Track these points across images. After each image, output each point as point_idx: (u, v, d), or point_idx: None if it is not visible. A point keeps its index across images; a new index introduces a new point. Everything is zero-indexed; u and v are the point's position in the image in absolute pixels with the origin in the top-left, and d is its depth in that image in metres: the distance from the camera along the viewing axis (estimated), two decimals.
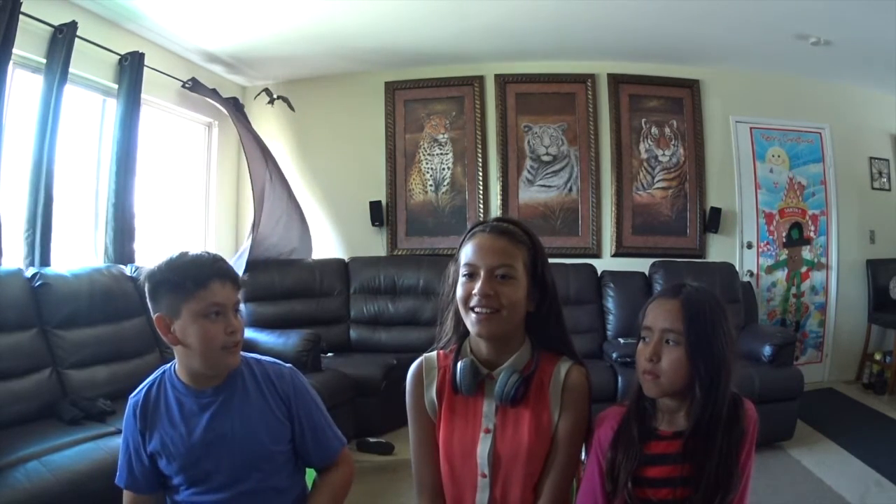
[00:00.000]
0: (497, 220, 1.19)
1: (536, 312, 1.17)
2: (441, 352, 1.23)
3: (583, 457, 1.31)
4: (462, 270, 1.13)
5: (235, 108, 4.11)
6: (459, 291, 1.13)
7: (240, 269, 3.53)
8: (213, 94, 3.95)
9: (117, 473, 1.27)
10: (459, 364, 1.15)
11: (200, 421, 1.21)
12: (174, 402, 1.23)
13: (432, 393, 1.19)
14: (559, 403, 1.14)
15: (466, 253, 1.14)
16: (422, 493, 1.20)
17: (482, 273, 1.10)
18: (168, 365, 1.28)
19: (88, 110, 3.35)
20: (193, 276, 1.17)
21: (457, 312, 1.17)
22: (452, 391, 1.17)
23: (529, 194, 4.41)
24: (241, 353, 1.28)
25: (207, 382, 1.23)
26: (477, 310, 1.10)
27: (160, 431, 1.22)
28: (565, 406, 1.14)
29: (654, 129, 4.41)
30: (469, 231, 1.18)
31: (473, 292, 1.10)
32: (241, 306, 1.26)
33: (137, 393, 1.27)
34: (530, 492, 1.14)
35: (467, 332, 1.18)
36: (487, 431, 1.14)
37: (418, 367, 1.22)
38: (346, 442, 1.38)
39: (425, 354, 1.24)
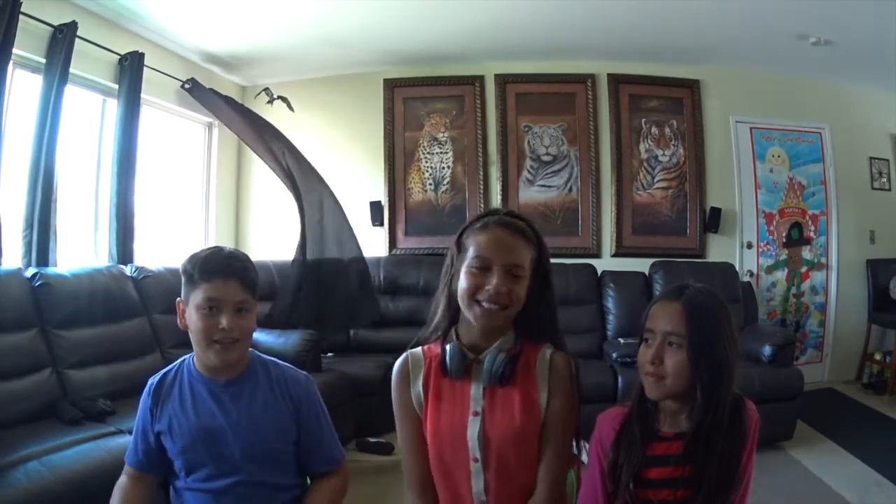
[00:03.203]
0: (509, 214, 1.18)
1: (536, 304, 1.17)
2: (425, 347, 1.22)
3: (584, 457, 1.31)
4: (473, 262, 1.11)
5: (235, 107, 4.07)
6: (466, 282, 1.11)
7: None
8: (212, 96, 3.92)
9: (127, 452, 1.33)
10: (448, 347, 1.15)
11: (208, 408, 1.26)
12: (188, 386, 1.29)
13: (418, 386, 1.19)
14: (547, 384, 1.14)
15: (479, 244, 1.12)
16: (411, 487, 1.20)
17: (497, 269, 1.10)
18: (189, 355, 1.33)
19: (88, 110, 3.35)
20: (201, 269, 1.23)
21: (449, 299, 1.17)
22: (440, 376, 1.17)
23: (529, 194, 4.41)
24: (261, 355, 1.35)
25: (221, 373, 1.28)
26: (486, 304, 1.10)
27: (169, 411, 1.27)
28: (554, 388, 1.14)
29: (654, 129, 4.41)
30: (480, 220, 1.16)
31: (487, 287, 1.09)
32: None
33: (156, 375, 1.33)
34: (525, 475, 1.14)
35: (455, 321, 1.18)
36: (476, 414, 1.14)
37: (404, 362, 1.22)
38: (345, 455, 1.41)
39: (409, 350, 1.23)
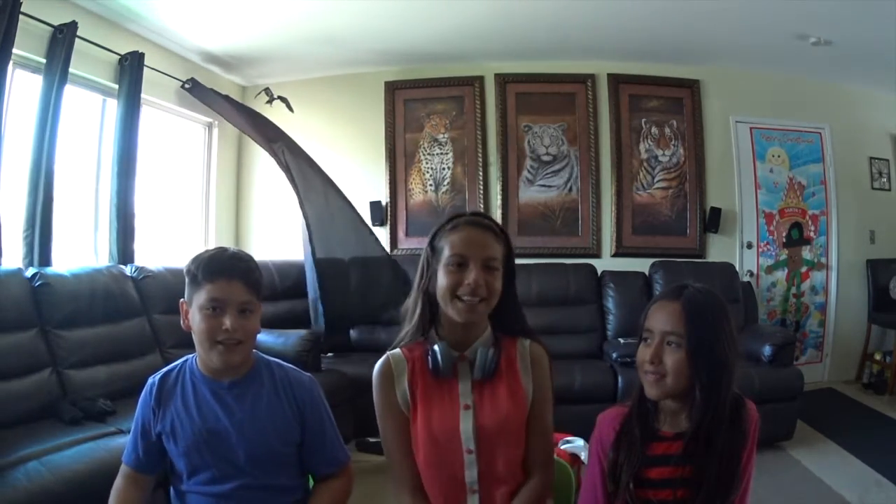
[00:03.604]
0: (476, 214, 1.25)
1: (504, 298, 1.23)
2: (404, 348, 1.25)
3: (583, 456, 1.31)
4: (450, 260, 1.17)
5: (235, 105, 4.06)
6: (445, 281, 1.17)
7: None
8: (212, 94, 3.93)
9: (125, 451, 1.31)
10: (437, 347, 1.19)
11: (211, 409, 1.25)
12: (190, 387, 1.28)
13: (404, 385, 1.21)
14: (530, 374, 1.22)
15: (454, 243, 1.18)
16: (403, 488, 1.23)
17: (473, 264, 1.16)
18: (191, 355, 1.31)
19: (88, 110, 3.35)
20: (204, 269, 1.22)
21: (425, 300, 1.22)
22: (427, 376, 1.21)
23: (529, 194, 4.41)
24: (266, 356, 1.34)
25: (224, 375, 1.27)
26: (466, 298, 1.15)
27: (172, 412, 1.26)
28: (536, 376, 1.22)
29: (654, 129, 4.41)
30: (449, 223, 1.23)
31: (467, 282, 1.15)
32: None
33: (158, 374, 1.31)
34: (511, 459, 1.19)
35: (433, 319, 1.23)
36: (467, 408, 1.19)
37: (385, 364, 1.24)
38: (350, 458, 1.40)
39: (389, 352, 1.26)
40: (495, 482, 1.18)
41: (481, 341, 1.21)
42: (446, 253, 1.18)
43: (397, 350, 1.25)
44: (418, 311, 1.23)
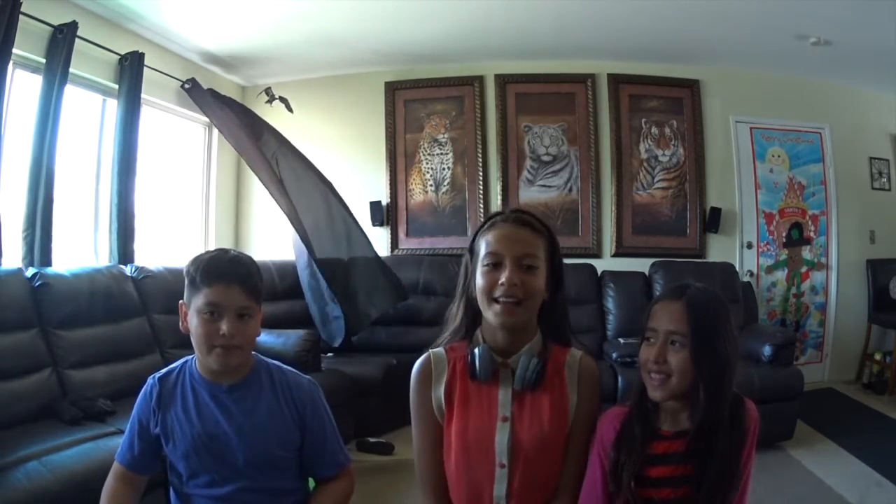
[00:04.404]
0: (515, 210, 1.18)
1: (550, 302, 1.17)
2: (447, 346, 1.21)
3: None
4: (484, 260, 1.12)
5: (232, 108, 4.03)
6: (481, 281, 1.11)
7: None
8: (210, 100, 3.89)
9: (119, 449, 1.29)
10: (477, 350, 1.13)
11: (210, 414, 1.24)
12: (189, 390, 1.26)
13: (440, 391, 1.17)
14: (576, 388, 1.15)
15: (488, 242, 1.13)
16: (426, 492, 1.18)
17: (508, 262, 1.10)
18: (191, 356, 1.30)
19: (88, 110, 3.35)
20: (203, 273, 1.20)
21: (467, 304, 1.17)
22: (467, 380, 1.15)
23: (530, 194, 4.41)
24: (266, 359, 1.32)
25: (223, 378, 1.25)
26: (502, 300, 1.09)
27: (171, 415, 1.25)
28: (583, 392, 1.15)
29: (654, 129, 4.41)
30: (488, 220, 1.17)
31: (500, 282, 1.08)
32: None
33: (158, 374, 1.30)
34: (548, 478, 1.13)
35: (476, 324, 1.18)
36: (505, 420, 1.12)
37: (425, 362, 1.20)
38: (351, 460, 1.39)
39: (431, 350, 1.21)
40: (525, 500, 1.12)
41: (528, 348, 1.14)
42: (482, 253, 1.13)
43: (440, 348, 1.20)
44: (460, 314, 1.19)
